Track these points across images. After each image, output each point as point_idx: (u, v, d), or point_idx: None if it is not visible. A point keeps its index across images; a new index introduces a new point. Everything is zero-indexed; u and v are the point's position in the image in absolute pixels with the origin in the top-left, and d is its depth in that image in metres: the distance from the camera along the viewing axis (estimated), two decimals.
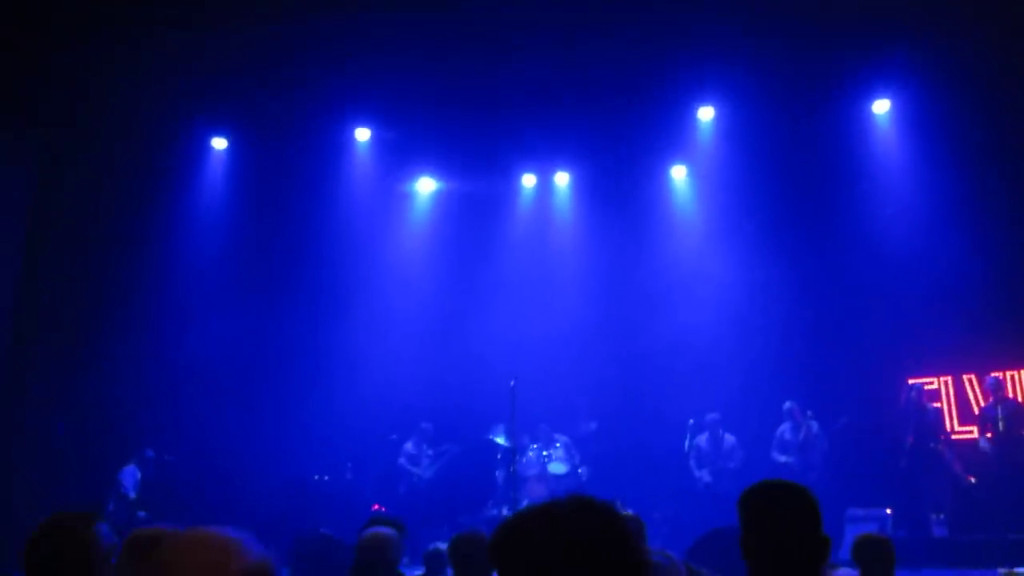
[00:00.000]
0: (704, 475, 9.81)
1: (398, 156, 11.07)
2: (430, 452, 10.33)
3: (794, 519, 2.40)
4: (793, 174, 10.62)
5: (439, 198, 11.72)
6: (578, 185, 11.65)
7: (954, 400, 10.11)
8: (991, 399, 9.10)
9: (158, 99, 9.69)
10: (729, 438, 9.91)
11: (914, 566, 7.55)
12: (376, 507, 9.13)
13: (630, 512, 5.18)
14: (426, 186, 11.71)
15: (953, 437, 9.68)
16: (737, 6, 8.52)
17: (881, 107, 10.21)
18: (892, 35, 8.80)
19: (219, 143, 10.82)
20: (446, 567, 5.08)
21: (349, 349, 10.75)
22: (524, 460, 9.71)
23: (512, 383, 8.54)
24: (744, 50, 9.07)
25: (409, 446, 10.30)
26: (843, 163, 10.50)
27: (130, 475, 9.28)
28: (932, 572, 7.60)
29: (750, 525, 2.43)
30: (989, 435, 8.96)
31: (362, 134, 10.82)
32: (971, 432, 9.58)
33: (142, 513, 9.02)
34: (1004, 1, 8.36)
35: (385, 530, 4.16)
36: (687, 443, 9.96)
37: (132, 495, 9.13)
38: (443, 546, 5.31)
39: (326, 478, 9.97)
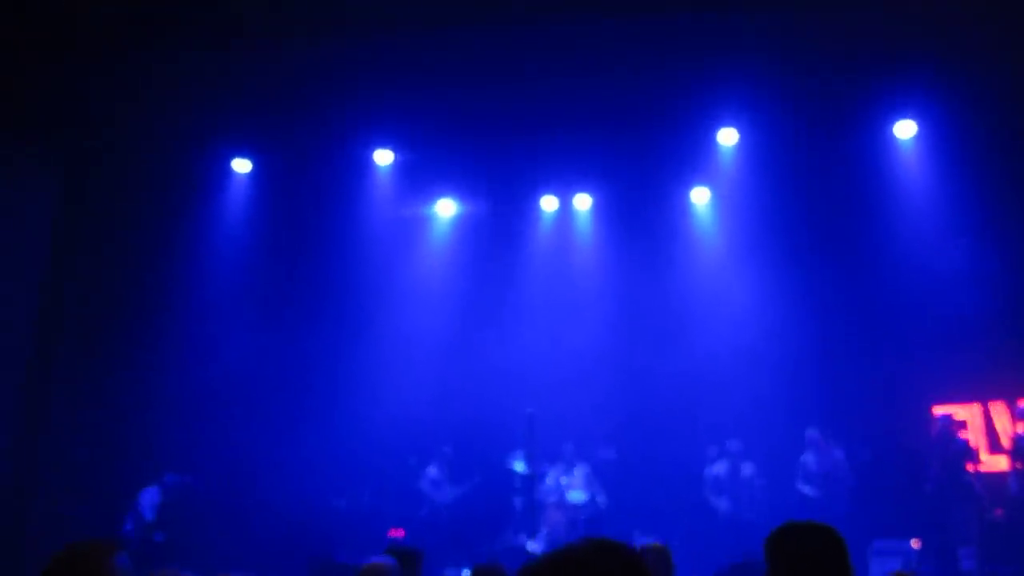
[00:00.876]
0: (723, 503, 9.66)
1: (419, 178, 11.07)
2: (451, 478, 10.24)
3: (821, 563, 2.37)
4: (816, 197, 10.51)
5: (459, 220, 11.73)
6: (599, 208, 11.59)
7: (983, 429, 9.91)
8: (1021, 429, 8.89)
9: (181, 120, 9.77)
10: (748, 467, 9.76)
11: None
12: (392, 532, 9.05)
13: (657, 541, 5.10)
14: (447, 208, 11.71)
15: (982, 468, 9.47)
16: (760, 28, 8.47)
17: (906, 129, 10.07)
18: (917, 57, 8.70)
19: (242, 164, 10.85)
20: None
21: (369, 371, 10.73)
22: (543, 487, 9.59)
23: (530, 410, 8.47)
24: (767, 72, 8.98)
25: (432, 470, 10.22)
26: (867, 186, 10.36)
27: (149, 497, 9.27)
28: None
29: (778, 569, 2.39)
30: (1020, 465, 8.75)
31: (383, 156, 10.83)
32: (1000, 462, 9.37)
33: (159, 535, 8.99)
34: None
35: (384, 561, 4.09)
36: (708, 471, 9.83)
37: (150, 517, 9.11)
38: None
39: (344, 502, 9.91)
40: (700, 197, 11.30)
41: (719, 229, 11.21)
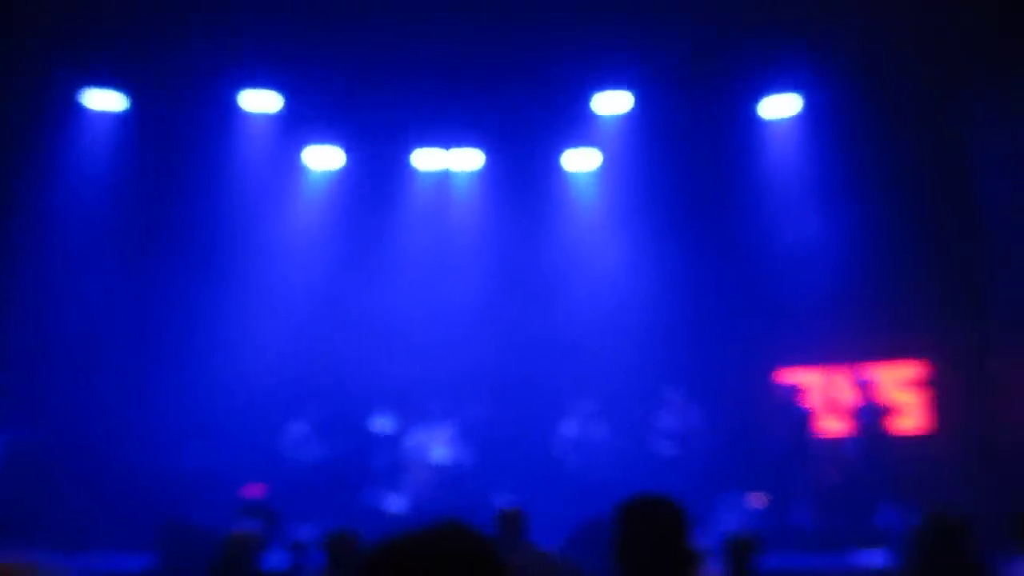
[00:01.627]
0: (575, 463, 9.88)
1: (294, 124, 10.66)
2: (318, 437, 10.04)
3: (664, 534, 2.46)
4: (689, 166, 10.81)
5: (334, 171, 11.38)
6: (479, 168, 11.54)
7: (824, 395, 10.55)
8: (861, 396, 9.52)
9: (30, 50, 9.03)
10: (601, 428, 10.03)
11: (779, 551, 7.87)
12: (249, 490, 8.82)
13: (511, 504, 5.18)
14: (321, 157, 11.33)
15: (821, 431, 10.10)
16: None
17: (777, 107, 10.48)
18: (795, 33, 9.00)
19: (100, 98, 10.08)
20: (309, 555, 5.01)
21: (233, 325, 10.35)
22: (407, 447, 9.57)
23: (398, 369, 8.42)
24: (653, 40, 9.11)
25: (296, 428, 9.98)
26: (740, 159, 10.75)
27: None
28: (795, 557, 7.90)
29: (623, 539, 2.48)
30: (856, 431, 9.39)
31: (255, 98, 10.29)
32: (839, 427, 10.01)
33: None
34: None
35: (248, 527, 4.05)
36: (569, 431, 10.03)
37: None
38: (307, 537, 5.22)
39: (201, 460, 9.56)
40: (579, 162, 11.43)
41: (596, 194, 11.38)
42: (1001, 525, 5.81)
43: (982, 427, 9.38)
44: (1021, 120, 8.87)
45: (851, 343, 10.23)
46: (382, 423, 9.32)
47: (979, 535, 3.75)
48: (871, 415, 9.28)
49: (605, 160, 11.13)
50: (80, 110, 10.09)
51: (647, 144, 10.56)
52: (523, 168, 11.33)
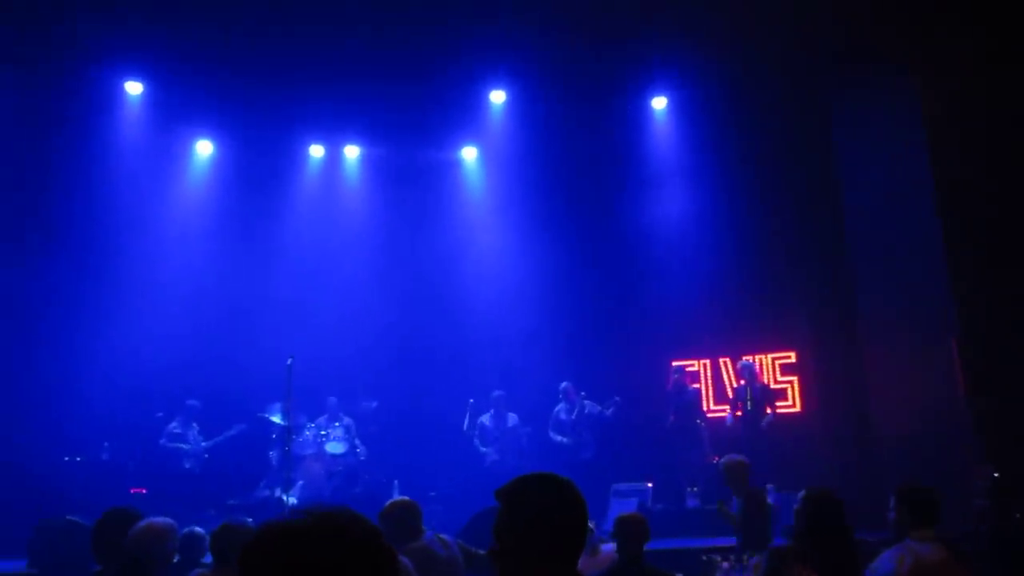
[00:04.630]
0: (491, 453, 9.95)
1: (178, 115, 10.37)
2: (198, 430, 9.74)
3: (540, 512, 2.40)
4: (578, 162, 11.07)
5: (221, 163, 11.10)
6: (367, 160, 11.49)
7: (711, 381, 10.94)
8: (742, 381, 9.90)
9: None
10: (512, 416, 10.13)
11: (669, 534, 8.11)
12: (136, 491, 8.52)
13: (405, 497, 5.16)
14: (207, 150, 11.03)
15: (709, 416, 10.47)
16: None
17: (659, 103, 10.80)
18: (670, 36, 9.31)
19: None
20: (204, 553, 4.83)
21: (115, 319, 9.92)
22: (300, 439, 9.43)
23: (289, 361, 8.26)
24: (537, 38, 9.26)
25: (174, 425, 9.66)
26: (623, 154, 11.05)
27: None
28: (684, 540, 8.14)
29: (504, 518, 2.42)
30: (738, 413, 9.75)
31: (135, 88, 9.99)
32: (724, 411, 10.39)
33: None
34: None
35: (160, 521, 3.91)
36: (466, 422, 10.06)
37: None
38: (200, 530, 5.04)
39: (79, 459, 9.14)
40: (468, 154, 11.51)
41: (487, 187, 11.47)
42: (885, 501, 6.17)
43: (854, 409, 9.89)
44: (880, 115, 9.39)
45: (733, 333, 10.64)
46: (276, 416, 9.12)
47: (850, 510, 3.97)
48: (751, 399, 9.62)
49: (495, 153, 11.26)
50: None
51: (534, 138, 10.75)
52: (414, 160, 11.35)
